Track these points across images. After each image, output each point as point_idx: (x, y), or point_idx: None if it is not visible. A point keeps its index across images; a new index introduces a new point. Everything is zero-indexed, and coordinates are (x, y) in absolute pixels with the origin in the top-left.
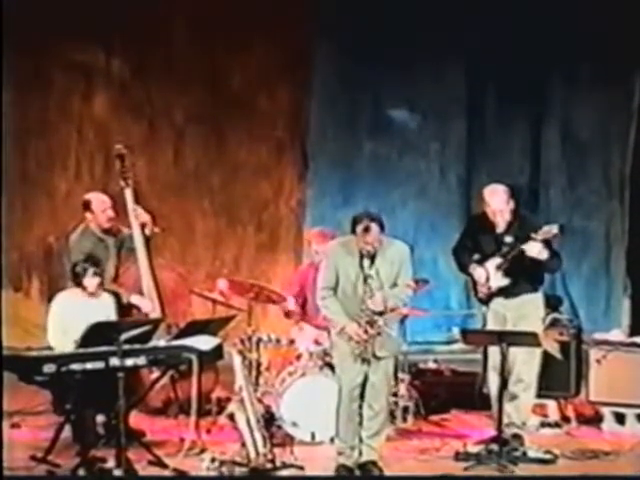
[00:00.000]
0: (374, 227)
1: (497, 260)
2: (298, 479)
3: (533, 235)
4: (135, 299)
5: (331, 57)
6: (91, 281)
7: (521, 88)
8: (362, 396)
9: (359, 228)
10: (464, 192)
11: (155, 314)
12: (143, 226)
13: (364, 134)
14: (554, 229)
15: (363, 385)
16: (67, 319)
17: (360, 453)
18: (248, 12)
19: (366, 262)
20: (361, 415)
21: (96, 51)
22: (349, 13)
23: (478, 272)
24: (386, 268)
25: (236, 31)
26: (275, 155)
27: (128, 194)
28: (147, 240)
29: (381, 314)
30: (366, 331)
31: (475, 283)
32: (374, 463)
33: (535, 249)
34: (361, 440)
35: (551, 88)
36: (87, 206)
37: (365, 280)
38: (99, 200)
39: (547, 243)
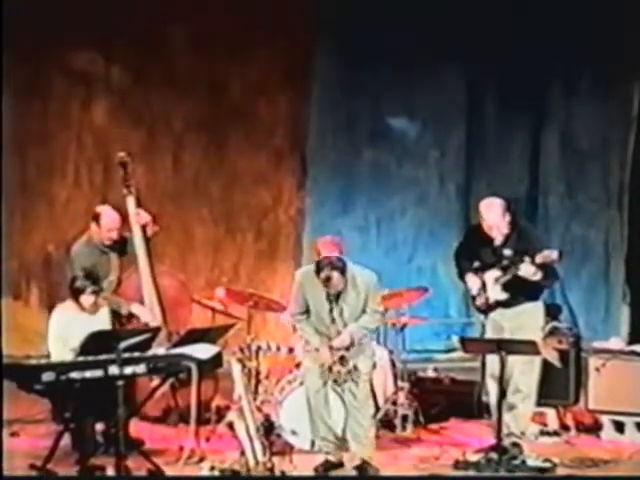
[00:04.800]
0: (335, 276)
1: (496, 273)
2: (297, 479)
3: (531, 258)
4: (135, 309)
5: (330, 65)
6: (88, 299)
7: (521, 96)
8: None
9: (321, 276)
10: (463, 200)
11: (155, 323)
12: (144, 228)
13: (363, 142)
14: (554, 255)
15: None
16: (66, 331)
17: (346, 450)
18: (248, 20)
19: (332, 299)
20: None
21: (95, 58)
22: (349, 21)
23: (471, 281)
24: (352, 301)
25: (236, 39)
26: (274, 163)
27: (130, 202)
28: (148, 246)
29: (349, 348)
30: (335, 362)
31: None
32: (367, 462)
33: (529, 271)
34: (345, 440)
35: (551, 96)
36: (96, 218)
37: (332, 318)
38: (109, 218)
39: (543, 265)
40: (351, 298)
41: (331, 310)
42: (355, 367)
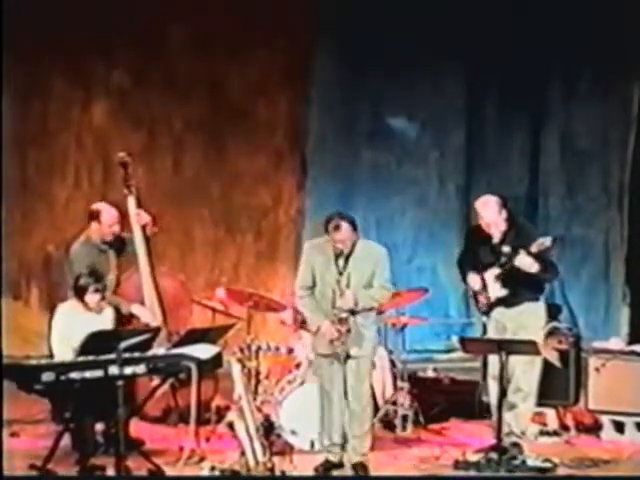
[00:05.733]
0: (344, 225)
1: (495, 270)
2: (297, 479)
3: (526, 249)
4: (135, 309)
5: (330, 66)
6: (92, 297)
7: (520, 97)
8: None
9: (330, 226)
10: (463, 201)
11: (155, 323)
12: (144, 229)
13: (363, 142)
14: (547, 242)
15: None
16: (69, 330)
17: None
18: (248, 20)
19: (340, 262)
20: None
21: (96, 59)
22: (349, 23)
23: (471, 277)
24: (360, 268)
25: (236, 39)
26: (274, 163)
27: (131, 202)
28: (149, 246)
29: (353, 313)
30: (339, 330)
31: (475, 294)
32: (362, 465)
33: (526, 262)
34: (346, 441)
35: (550, 97)
36: (95, 216)
37: (340, 290)
38: (109, 214)
39: (540, 255)
40: (357, 269)
41: (338, 282)
42: (359, 333)
